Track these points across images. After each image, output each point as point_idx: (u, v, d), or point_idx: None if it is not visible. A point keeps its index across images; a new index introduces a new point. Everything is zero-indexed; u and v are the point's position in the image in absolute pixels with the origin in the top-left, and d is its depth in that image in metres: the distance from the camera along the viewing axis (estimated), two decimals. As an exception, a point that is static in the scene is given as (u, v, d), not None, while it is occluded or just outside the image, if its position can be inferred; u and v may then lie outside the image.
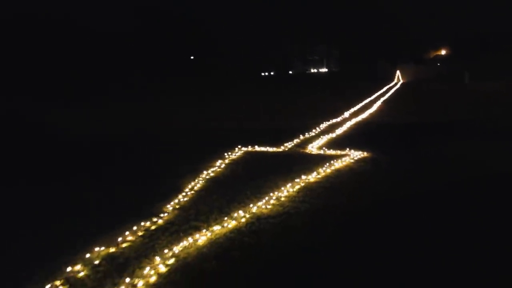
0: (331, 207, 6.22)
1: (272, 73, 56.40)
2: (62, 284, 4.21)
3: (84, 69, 31.38)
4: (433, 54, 50.47)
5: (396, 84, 35.85)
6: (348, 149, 9.92)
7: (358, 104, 20.65)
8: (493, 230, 5.16)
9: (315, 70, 57.63)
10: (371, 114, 17.42)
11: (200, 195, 7.02)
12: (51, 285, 4.15)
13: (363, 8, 51.43)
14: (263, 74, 55.70)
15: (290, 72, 56.57)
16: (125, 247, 5.07)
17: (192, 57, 47.94)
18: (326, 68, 57.81)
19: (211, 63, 40.40)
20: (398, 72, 39.81)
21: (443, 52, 49.95)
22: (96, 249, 4.95)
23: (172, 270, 4.46)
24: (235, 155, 9.90)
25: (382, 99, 23.83)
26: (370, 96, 24.56)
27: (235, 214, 5.98)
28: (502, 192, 6.58)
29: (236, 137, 11.88)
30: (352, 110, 18.54)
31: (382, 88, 30.81)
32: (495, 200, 6.25)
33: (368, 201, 6.42)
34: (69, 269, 4.51)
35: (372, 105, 20.46)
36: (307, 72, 56.92)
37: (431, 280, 4.06)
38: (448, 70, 37.64)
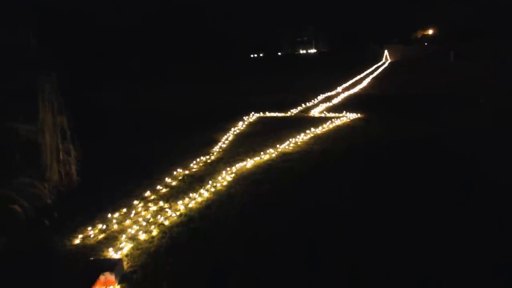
0: (335, 147, 8.78)
1: (261, 55, 58.52)
2: (163, 187, 6.70)
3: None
4: (420, 33, 53.21)
5: (384, 63, 38.47)
6: (344, 112, 12.47)
7: (349, 80, 23.16)
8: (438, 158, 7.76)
9: (304, 51, 60.02)
10: (361, 89, 19.97)
11: (233, 142, 9.55)
12: (152, 188, 6.60)
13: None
14: (252, 56, 57.76)
15: (279, 53, 58.79)
16: (196, 170, 7.59)
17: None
18: (315, 49, 60.23)
19: (204, 48, 42.42)
20: (386, 52, 42.43)
21: (430, 31, 52.71)
22: (178, 171, 7.46)
23: (235, 179, 6.99)
24: (251, 119, 12.39)
25: (372, 76, 26.39)
26: (360, 74, 27.10)
27: (267, 152, 8.50)
28: (457, 140, 9.13)
29: (248, 107, 14.33)
30: (344, 85, 21.07)
31: (371, 67, 33.38)
32: (448, 143, 8.84)
33: (361, 142, 9.00)
34: (167, 180, 7.01)
35: (362, 81, 22.99)
36: (295, 53, 59.20)
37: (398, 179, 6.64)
38: (434, 50, 40.37)
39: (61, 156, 6.21)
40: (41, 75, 5.69)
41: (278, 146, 8.88)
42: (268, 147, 8.89)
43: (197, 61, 38.73)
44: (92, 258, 4.46)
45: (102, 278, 3.94)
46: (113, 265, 4.09)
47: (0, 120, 5.67)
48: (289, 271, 4.06)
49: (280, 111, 13.48)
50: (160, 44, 36.19)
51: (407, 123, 10.87)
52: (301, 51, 59.99)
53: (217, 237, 4.94)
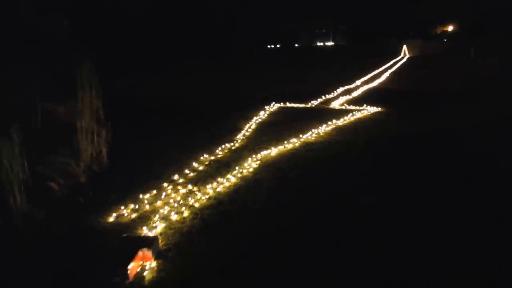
0: (357, 139, 8.88)
1: (278, 46, 58.39)
2: (192, 171, 6.87)
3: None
4: (440, 29, 52.65)
5: (402, 58, 38.23)
6: (365, 105, 12.53)
7: (368, 74, 23.09)
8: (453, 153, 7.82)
9: (321, 44, 59.78)
10: (380, 83, 19.93)
11: (257, 131, 9.69)
12: (180, 172, 6.76)
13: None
14: (269, 46, 57.64)
15: (296, 45, 58.61)
16: (222, 156, 7.75)
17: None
18: (333, 42, 59.94)
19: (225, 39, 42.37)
20: (404, 47, 42.13)
21: (450, 28, 52.14)
22: (204, 156, 7.63)
23: (261, 165, 7.14)
24: (272, 109, 12.51)
25: (390, 71, 26.26)
26: (378, 68, 26.99)
27: (290, 141, 8.63)
28: (475, 134, 9.17)
29: (268, 97, 14.44)
30: (363, 79, 21.02)
31: (389, 61, 33.20)
32: (468, 137, 8.89)
33: (382, 136, 9.09)
34: (194, 164, 7.18)
35: (381, 76, 22.92)
36: (312, 45, 58.97)
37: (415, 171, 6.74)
38: (454, 46, 39.98)
39: (95, 138, 6.41)
40: (80, 57, 5.87)
41: (301, 136, 9.01)
42: (291, 136, 9.01)
43: (217, 51, 38.72)
44: (126, 235, 4.63)
45: (140, 253, 4.12)
46: (150, 242, 4.27)
47: (40, 100, 5.86)
48: (311, 257, 4.20)
49: (300, 102, 13.57)
50: (174, 34, 36.22)
51: (427, 118, 10.91)
52: (318, 43, 59.70)
53: (246, 220, 5.10)
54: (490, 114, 11.09)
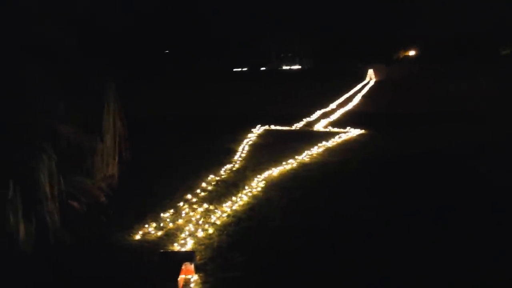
0: (349, 159, 9.43)
1: (245, 69, 59.23)
2: (202, 191, 7.18)
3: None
4: (402, 54, 55.01)
5: (369, 82, 39.64)
6: (348, 127, 13.17)
7: (340, 98, 23.84)
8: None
9: (288, 67, 61.09)
10: (354, 106, 20.77)
11: (252, 153, 10.07)
12: (192, 192, 7.06)
13: (334, 8, 55.18)
14: (235, 70, 58.36)
15: (263, 68, 59.63)
16: (226, 176, 8.10)
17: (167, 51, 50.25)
18: (299, 65, 61.41)
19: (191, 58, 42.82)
20: (370, 71, 43.72)
21: (411, 53, 54.58)
22: (211, 176, 7.96)
23: (267, 185, 7.53)
24: (259, 131, 12.94)
25: (360, 94, 27.27)
26: (348, 92, 27.93)
27: (288, 162, 9.07)
28: (454, 149, 9.95)
29: (252, 120, 14.76)
30: (337, 102, 21.78)
31: (357, 85, 34.35)
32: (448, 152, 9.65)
33: (372, 156, 9.70)
34: (203, 184, 7.49)
35: (352, 99, 23.80)
36: (278, 69, 60.16)
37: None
38: (418, 70, 41.89)
39: (110, 159, 6.65)
40: (107, 82, 6.14)
41: (296, 157, 9.44)
42: (286, 157, 9.43)
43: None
44: (163, 251, 4.90)
45: (183, 267, 4.40)
46: (190, 256, 4.57)
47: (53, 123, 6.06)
48: (330, 265, 4.65)
49: (284, 125, 14.02)
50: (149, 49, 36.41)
51: (408, 138, 11.65)
52: (284, 67, 61.00)
53: (266, 236, 5.47)
54: (465, 131, 11.96)
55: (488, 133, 11.70)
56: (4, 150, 4.66)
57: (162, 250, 4.94)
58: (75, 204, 5.74)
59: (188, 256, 4.59)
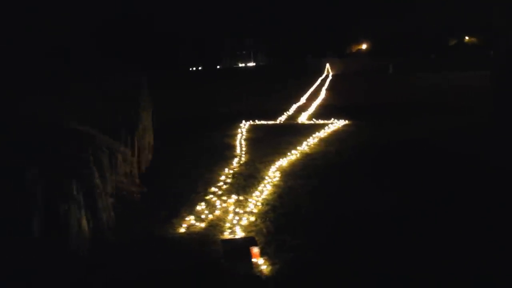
0: (347, 148, 9.94)
1: (200, 68, 59.13)
2: (223, 184, 7.42)
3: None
4: (355, 48, 56.79)
5: (327, 76, 40.71)
6: (332, 119, 13.71)
7: (306, 92, 24.53)
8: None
9: (243, 65, 61.54)
10: (323, 99, 21.42)
11: (251, 146, 10.37)
12: (214, 185, 7.29)
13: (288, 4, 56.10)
14: (190, 69, 58.16)
15: (218, 66, 59.76)
16: (239, 170, 8.37)
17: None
18: (254, 62, 62.00)
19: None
20: (327, 65, 44.92)
21: (363, 46, 56.44)
22: (225, 170, 8.21)
23: (283, 175, 7.88)
24: (246, 127, 13.24)
25: (323, 88, 28.06)
26: (312, 86, 28.70)
27: (291, 153, 9.44)
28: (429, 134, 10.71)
29: (234, 117, 15.04)
30: (305, 96, 22.40)
31: (317, 79, 35.20)
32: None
33: (366, 143, 10.28)
34: (220, 178, 7.74)
35: (319, 93, 24.48)
36: (234, 66, 60.49)
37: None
38: (373, 63, 43.45)
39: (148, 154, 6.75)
40: (142, 78, 6.26)
41: (298, 148, 9.84)
42: (287, 149, 9.81)
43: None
44: (224, 238, 5.15)
45: (252, 251, 4.68)
46: (253, 241, 4.84)
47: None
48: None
49: (267, 120, 14.38)
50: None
51: (390, 127, 12.36)
52: (240, 64, 61.40)
53: (306, 219, 5.83)
54: (438, 120, 12.83)
55: (459, 121, 12.59)
56: (58, 149, 4.73)
57: (222, 238, 5.16)
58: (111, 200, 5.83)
59: (251, 241, 4.87)
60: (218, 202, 6.53)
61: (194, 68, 59.66)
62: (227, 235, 5.39)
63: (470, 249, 4.76)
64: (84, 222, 4.62)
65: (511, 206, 5.94)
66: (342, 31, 55.55)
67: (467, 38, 47.72)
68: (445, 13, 44.17)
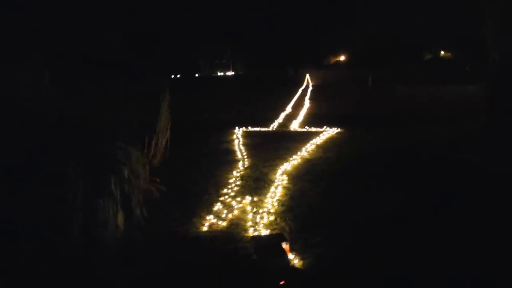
0: (346, 154, 10.26)
1: (178, 76, 58.98)
2: (234, 186, 7.60)
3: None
4: (333, 60, 57.79)
5: (308, 86, 41.26)
6: (325, 126, 14.04)
7: (290, 102, 24.85)
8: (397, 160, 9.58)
9: (222, 74, 61.74)
10: (309, 108, 21.79)
11: (250, 152, 10.55)
12: (226, 187, 7.48)
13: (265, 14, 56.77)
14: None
15: (196, 75, 59.77)
16: (244, 173, 8.56)
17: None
18: (233, 71, 62.30)
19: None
20: (307, 76, 45.58)
21: (342, 58, 57.50)
22: (233, 173, 8.40)
23: (290, 178, 8.11)
24: (239, 133, 13.44)
25: (306, 98, 28.47)
26: (294, 96, 29.06)
27: (293, 158, 9.70)
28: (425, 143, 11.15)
29: (224, 124, 15.16)
30: (290, 105, 22.70)
31: (298, 90, 35.68)
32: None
33: (363, 150, 10.62)
34: (230, 180, 7.93)
35: (303, 103, 24.87)
36: (213, 75, 60.61)
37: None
38: (351, 74, 44.30)
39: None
40: (163, 78, 6.44)
41: (299, 153, 10.10)
42: (287, 155, 10.05)
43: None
44: (253, 235, 5.34)
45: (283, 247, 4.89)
46: (283, 237, 5.05)
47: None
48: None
49: (259, 127, 14.59)
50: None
51: (383, 134, 12.74)
52: (219, 73, 61.58)
53: (322, 217, 6.09)
54: (427, 129, 13.32)
55: (449, 129, 13.10)
56: (95, 146, 4.86)
57: (252, 235, 5.36)
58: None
59: (280, 237, 5.08)
60: (234, 203, 6.71)
61: (173, 76, 59.48)
62: (251, 233, 5.55)
63: (471, 248, 5.08)
64: (120, 218, 4.74)
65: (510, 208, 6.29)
66: (320, 43, 56.51)
67: (442, 53, 49.13)
68: (421, 28, 45.48)
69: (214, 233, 5.68)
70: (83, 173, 4.53)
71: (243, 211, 6.37)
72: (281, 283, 4.20)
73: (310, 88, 38.87)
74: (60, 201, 4.29)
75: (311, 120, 16.78)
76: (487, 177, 7.81)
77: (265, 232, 5.58)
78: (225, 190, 7.35)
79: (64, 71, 5.00)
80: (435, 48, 48.05)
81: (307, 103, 24.61)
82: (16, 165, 4.05)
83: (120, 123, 5.44)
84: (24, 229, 3.99)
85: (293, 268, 4.57)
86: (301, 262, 4.74)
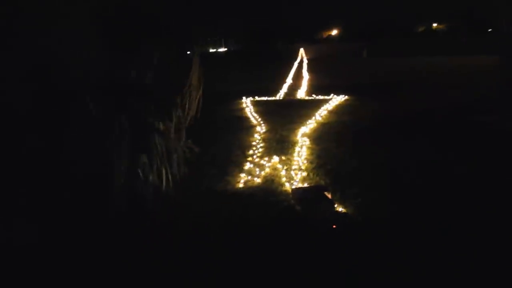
0: (357, 118, 10.34)
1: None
2: (260, 147, 7.66)
3: None
4: (325, 34, 57.61)
5: (302, 61, 41.17)
6: (332, 94, 14.09)
7: (289, 74, 24.86)
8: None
9: (214, 50, 61.31)
10: (310, 80, 21.77)
11: (263, 118, 10.58)
12: (252, 149, 7.54)
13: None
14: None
15: (188, 52, 59.15)
16: (266, 136, 8.62)
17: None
18: (225, 47, 61.90)
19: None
20: (301, 50, 45.42)
21: (334, 32, 57.33)
22: (254, 136, 8.45)
23: (311, 139, 8.19)
24: (248, 102, 13.46)
25: (304, 70, 28.44)
26: (291, 69, 29.03)
27: (308, 122, 9.76)
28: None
29: (229, 94, 15.18)
30: (290, 77, 22.72)
31: (293, 64, 35.63)
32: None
33: (376, 113, 10.72)
34: (253, 143, 7.98)
35: (302, 75, 24.85)
36: (205, 51, 60.10)
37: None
38: (345, 48, 44.29)
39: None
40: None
41: (314, 118, 10.17)
42: (302, 119, 10.13)
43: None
44: (295, 187, 5.45)
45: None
46: (325, 188, 5.17)
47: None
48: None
49: (266, 96, 14.63)
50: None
51: (391, 101, 12.81)
52: (211, 50, 61.13)
53: (354, 171, 6.19)
54: (437, 96, 13.44)
55: (466, 95, 13.22)
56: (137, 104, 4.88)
57: (292, 188, 5.45)
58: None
59: (321, 188, 5.18)
60: (263, 162, 6.78)
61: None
62: (288, 187, 5.64)
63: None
64: (163, 174, 4.79)
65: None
66: (312, 16, 56.26)
67: (435, 25, 49.13)
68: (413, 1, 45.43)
69: (251, 189, 5.76)
70: (128, 128, 4.55)
71: (275, 169, 6.45)
72: (333, 227, 4.29)
73: (306, 62, 38.73)
74: (105, 152, 4.32)
75: (315, 89, 16.79)
76: (506, 133, 7.96)
77: (301, 186, 5.65)
78: (250, 152, 7.41)
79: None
80: (428, 21, 47.95)
81: (306, 75, 24.54)
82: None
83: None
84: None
85: (343, 213, 4.66)
86: (344, 210, 4.83)
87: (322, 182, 5.79)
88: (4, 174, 3.82)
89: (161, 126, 5.09)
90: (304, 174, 6.16)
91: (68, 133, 4.00)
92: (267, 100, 13.94)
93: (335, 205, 4.84)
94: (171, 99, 5.42)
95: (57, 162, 3.93)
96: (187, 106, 6.37)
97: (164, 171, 5.06)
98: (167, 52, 6.20)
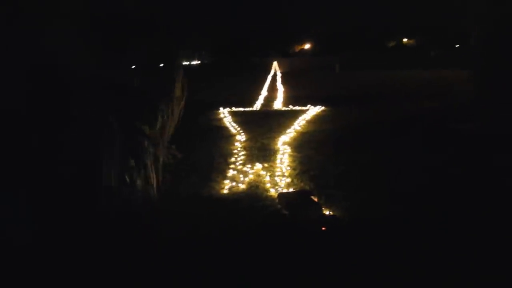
0: (336, 127, 10.49)
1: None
2: (242, 155, 7.68)
3: None
4: (298, 48, 58.19)
5: (276, 74, 41.44)
6: (309, 105, 14.24)
7: (263, 86, 24.95)
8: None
9: (188, 63, 61.11)
10: (285, 92, 21.91)
11: (244, 127, 10.60)
12: (233, 156, 7.56)
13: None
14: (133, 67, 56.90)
15: (161, 64, 58.89)
16: (247, 144, 8.66)
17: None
18: (198, 60, 61.78)
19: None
20: (275, 63, 45.73)
21: (306, 46, 57.98)
22: (235, 144, 8.46)
23: (292, 147, 8.26)
24: (225, 112, 13.46)
25: (278, 83, 28.63)
26: (265, 82, 29.11)
27: (288, 131, 9.84)
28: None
29: (206, 104, 15.10)
30: (265, 89, 22.83)
31: (267, 77, 35.84)
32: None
33: (352, 122, 10.88)
34: (234, 151, 8.00)
35: (276, 87, 24.99)
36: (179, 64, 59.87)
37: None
38: (318, 62, 44.81)
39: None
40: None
41: (292, 127, 10.25)
42: (281, 129, 10.20)
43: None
44: (281, 192, 5.48)
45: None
46: (310, 192, 5.22)
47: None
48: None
49: (243, 107, 14.64)
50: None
51: (365, 111, 13.01)
52: (184, 63, 60.93)
53: (337, 177, 6.28)
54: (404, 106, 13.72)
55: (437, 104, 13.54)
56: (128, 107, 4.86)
57: (278, 193, 5.48)
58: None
59: (307, 192, 5.24)
60: (246, 169, 6.81)
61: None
62: (273, 192, 5.67)
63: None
64: (152, 177, 4.77)
65: None
66: (285, 31, 56.77)
67: (405, 40, 50.38)
68: (384, 16, 46.49)
69: (236, 194, 5.79)
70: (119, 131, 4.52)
71: (258, 175, 6.49)
72: (323, 229, 4.33)
73: (279, 75, 39.00)
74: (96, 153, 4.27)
75: (291, 101, 16.88)
76: (482, 138, 8.19)
77: (287, 191, 5.69)
78: (232, 159, 7.44)
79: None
80: (398, 35, 49.15)
81: (280, 87, 24.70)
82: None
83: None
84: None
85: (331, 215, 4.71)
86: (332, 213, 4.89)
87: (307, 187, 5.83)
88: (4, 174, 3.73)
89: (148, 130, 5.06)
90: (288, 180, 6.22)
91: (60, 133, 3.93)
92: (244, 111, 13.98)
93: (322, 208, 4.88)
94: (157, 104, 5.40)
95: (48, 161, 3.85)
96: (170, 113, 6.40)
97: (151, 176, 5.02)
98: (153, 56, 6.26)
